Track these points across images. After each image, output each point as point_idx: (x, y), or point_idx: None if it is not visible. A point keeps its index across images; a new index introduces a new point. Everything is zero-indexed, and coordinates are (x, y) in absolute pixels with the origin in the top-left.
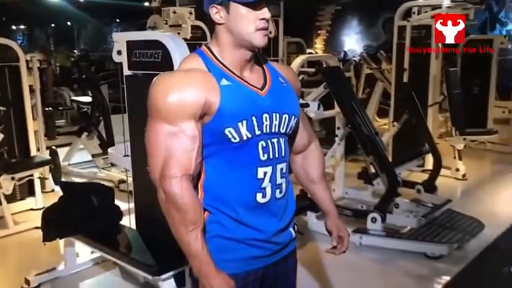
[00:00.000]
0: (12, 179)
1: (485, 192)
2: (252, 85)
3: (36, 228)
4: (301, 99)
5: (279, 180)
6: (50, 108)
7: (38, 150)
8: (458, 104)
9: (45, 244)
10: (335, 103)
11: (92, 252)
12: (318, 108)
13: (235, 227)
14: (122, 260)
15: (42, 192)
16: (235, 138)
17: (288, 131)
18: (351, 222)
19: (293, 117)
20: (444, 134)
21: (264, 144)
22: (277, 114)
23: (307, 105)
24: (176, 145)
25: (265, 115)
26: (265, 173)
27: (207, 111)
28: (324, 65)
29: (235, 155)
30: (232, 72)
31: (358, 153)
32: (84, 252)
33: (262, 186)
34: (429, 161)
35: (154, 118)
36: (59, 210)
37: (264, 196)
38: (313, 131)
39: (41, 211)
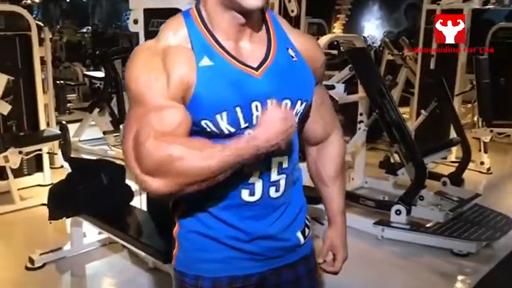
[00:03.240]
0: (20, 153)
1: None
2: (243, 63)
3: (43, 205)
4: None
5: (274, 177)
6: (62, 82)
7: (48, 124)
8: (487, 94)
9: (51, 223)
10: (359, 88)
11: (100, 233)
12: (344, 91)
13: (215, 225)
14: (131, 244)
15: (51, 168)
16: (214, 132)
17: None
18: (371, 214)
19: (299, 102)
20: (466, 126)
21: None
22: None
23: (332, 87)
24: (152, 119)
25: (255, 104)
26: (253, 166)
27: (184, 96)
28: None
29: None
30: (221, 45)
31: (377, 141)
32: (91, 232)
33: (250, 181)
34: (452, 153)
35: (130, 101)
36: (67, 187)
37: (252, 194)
38: (335, 119)
39: (49, 187)
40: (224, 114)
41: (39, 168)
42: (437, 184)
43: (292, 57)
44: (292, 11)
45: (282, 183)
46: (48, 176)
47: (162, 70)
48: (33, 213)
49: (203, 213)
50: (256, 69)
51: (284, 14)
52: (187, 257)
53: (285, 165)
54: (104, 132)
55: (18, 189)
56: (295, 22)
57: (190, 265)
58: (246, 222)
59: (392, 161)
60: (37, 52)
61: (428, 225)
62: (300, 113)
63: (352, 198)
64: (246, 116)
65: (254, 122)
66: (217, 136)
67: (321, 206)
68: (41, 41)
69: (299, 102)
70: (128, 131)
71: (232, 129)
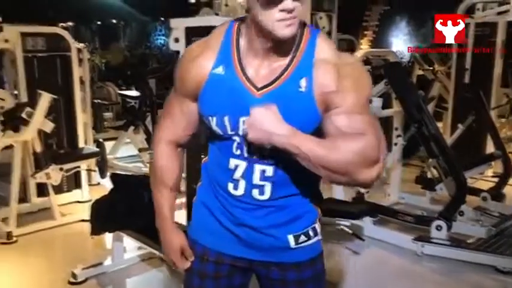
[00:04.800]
0: (61, 169)
1: None
2: (251, 82)
3: (83, 221)
4: None
5: (257, 181)
6: (98, 101)
7: (85, 142)
8: None
9: (93, 237)
10: (393, 102)
11: (139, 248)
12: (382, 106)
13: (213, 202)
14: None
15: (88, 185)
16: (211, 129)
17: None
18: (408, 229)
19: None
20: (502, 140)
21: (239, 141)
22: None
23: (370, 101)
24: (173, 114)
25: (242, 119)
26: (236, 166)
27: (196, 91)
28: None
29: (216, 139)
30: (240, 60)
31: (411, 157)
32: (130, 247)
33: (234, 177)
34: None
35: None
36: (109, 203)
37: (235, 188)
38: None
39: (87, 204)
40: (214, 118)
41: (78, 185)
42: (476, 199)
43: (300, 87)
44: (324, 28)
45: (268, 188)
46: (86, 193)
47: (191, 67)
48: (73, 228)
49: (209, 189)
50: (259, 89)
51: None
52: (193, 222)
53: (268, 173)
54: (139, 150)
55: (58, 206)
56: None
57: (192, 231)
58: (234, 210)
59: (429, 176)
60: (77, 72)
61: (470, 241)
62: None
63: (389, 214)
64: (233, 126)
65: (241, 133)
66: (216, 135)
67: (359, 222)
68: (79, 62)
69: None
70: (166, 102)
71: (221, 133)
